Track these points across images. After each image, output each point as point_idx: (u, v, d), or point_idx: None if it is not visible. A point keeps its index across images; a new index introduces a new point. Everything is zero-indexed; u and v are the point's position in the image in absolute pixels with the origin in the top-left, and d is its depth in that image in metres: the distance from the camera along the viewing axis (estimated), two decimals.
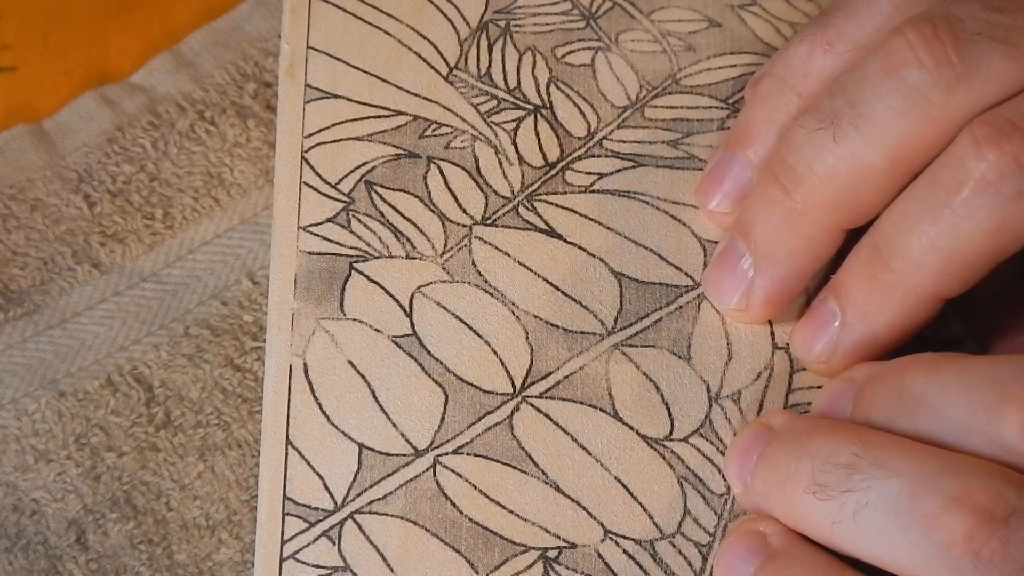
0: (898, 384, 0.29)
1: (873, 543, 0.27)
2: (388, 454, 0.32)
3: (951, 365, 0.28)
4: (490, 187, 0.35)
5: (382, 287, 0.34)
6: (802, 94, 0.32)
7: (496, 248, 0.34)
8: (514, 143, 0.35)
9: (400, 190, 0.35)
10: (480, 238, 0.34)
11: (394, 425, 0.32)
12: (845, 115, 0.29)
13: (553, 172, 0.35)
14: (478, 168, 0.35)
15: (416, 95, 0.36)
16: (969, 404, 0.27)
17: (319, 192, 0.35)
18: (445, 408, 0.33)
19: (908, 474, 0.26)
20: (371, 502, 0.32)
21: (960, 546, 0.25)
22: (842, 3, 0.32)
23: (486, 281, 0.34)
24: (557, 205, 0.35)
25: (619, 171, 0.35)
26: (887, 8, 0.31)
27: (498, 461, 0.32)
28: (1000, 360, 0.27)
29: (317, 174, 0.35)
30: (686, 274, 0.34)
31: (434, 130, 0.36)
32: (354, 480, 0.32)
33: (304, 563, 0.31)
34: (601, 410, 0.32)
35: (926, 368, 0.28)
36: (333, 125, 0.36)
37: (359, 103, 0.36)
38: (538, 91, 0.36)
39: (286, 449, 0.32)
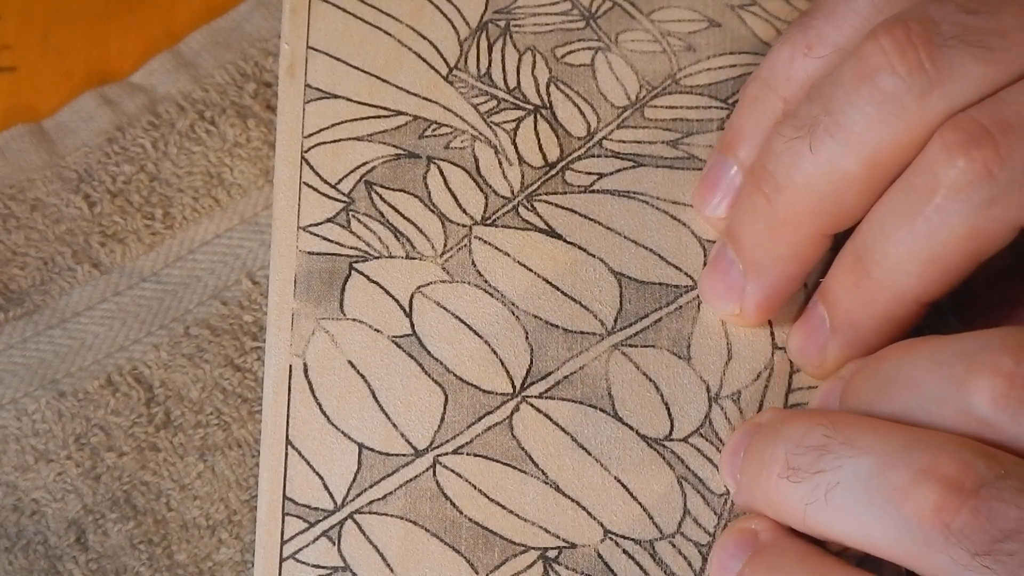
0: (876, 368, 0.29)
1: (846, 522, 0.27)
2: (388, 454, 0.32)
3: (924, 344, 0.28)
4: (490, 187, 0.35)
5: (382, 287, 0.34)
6: (785, 98, 0.32)
7: (496, 248, 0.34)
8: (514, 143, 0.36)
9: (400, 190, 0.35)
10: (480, 238, 0.34)
11: (394, 425, 0.32)
12: (821, 123, 0.29)
13: (553, 172, 0.35)
14: (478, 168, 0.35)
15: (416, 95, 0.36)
16: (940, 378, 0.27)
17: (319, 192, 0.35)
18: (445, 408, 0.33)
19: (877, 451, 0.26)
20: (371, 502, 0.32)
21: (930, 518, 0.25)
22: (822, 3, 0.32)
23: (486, 281, 0.34)
24: (557, 205, 0.35)
25: (619, 171, 0.35)
26: (866, 8, 0.31)
27: (498, 461, 0.32)
28: (971, 334, 0.27)
29: (317, 174, 0.35)
30: (686, 274, 0.34)
31: (434, 130, 0.36)
32: (354, 480, 0.32)
33: (304, 563, 0.31)
34: (601, 410, 0.32)
35: (901, 350, 0.29)
36: (333, 125, 0.36)
37: (359, 103, 0.36)
38: (538, 91, 0.36)
39: (286, 449, 0.32)
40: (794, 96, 0.31)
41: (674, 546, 0.31)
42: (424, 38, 0.37)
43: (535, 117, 0.36)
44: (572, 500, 0.32)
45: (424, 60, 0.36)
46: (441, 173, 0.35)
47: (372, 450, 0.32)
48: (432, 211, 0.35)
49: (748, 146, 0.32)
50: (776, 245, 0.31)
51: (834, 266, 0.31)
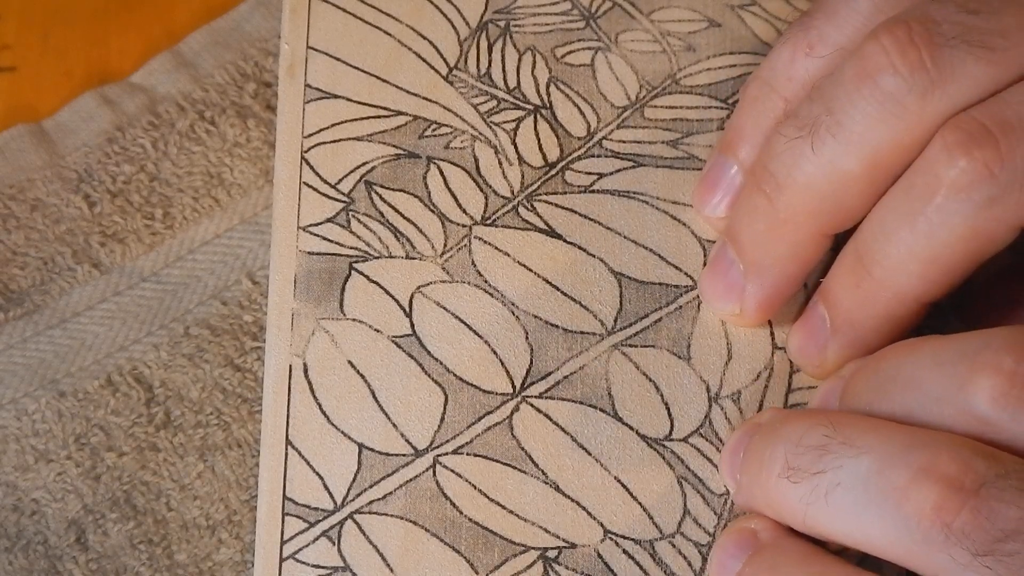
0: (876, 368, 0.29)
1: (846, 522, 0.27)
2: (388, 454, 0.32)
3: (925, 344, 0.28)
4: (490, 187, 0.35)
5: (382, 287, 0.34)
6: (786, 98, 0.32)
7: (496, 248, 0.34)
8: (514, 143, 0.36)
9: (400, 190, 0.35)
10: (480, 238, 0.34)
11: (394, 425, 0.32)
12: (823, 123, 0.29)
13: (553, 172, 0.35)
14: (478, 168, 0.35)
15: (416, 95, 0.36)
16: (942, 378, 0.27)
17: (319, 192, 0.35)
18: (445, 408, 0.33)
19: (877, 451, 0.26)
20: (371, 502, 0.32)
21: (930, 517, 0.25)
22: (823, 3, 0.32)
23: (486, 281, 0.34)
24: (557, 205, 0.35)
25: (619, 171, 0.35)
26: (867, 8, 0.31)
27: (498, 461, 0.32)
28: (972, 333, 0.27)
29: (317, 174, 0.35)
30: (686, 274, 0.34)
31: (434, 130, 0.36)
32: (354, 480, 0.32)
33: (304, 563, 0.31)
34: (601, 410, 0.32)
35: (902, 350, 0.29)
36: (333, 125, 0.36)
37: (359, 103, 0.36)
38: (538, 91, 0.36)
39: (286, 449, 0.32)
40: (795, 96, 0.31)
41: (674, 546, 0.31)
42: (424, 38, 0.37)
43: (535, 117, 0.36)
44: (572, 500, 0.32)
45: (424, 60, 0.36)
46: (441, 173, 0.35)
47: (372, 450, 0.32)
48: (432, 211, 0.35)
49: (748, 146, 0.32)
50: (776, 245, 0.31)
51: (835, 266, 0.31)
